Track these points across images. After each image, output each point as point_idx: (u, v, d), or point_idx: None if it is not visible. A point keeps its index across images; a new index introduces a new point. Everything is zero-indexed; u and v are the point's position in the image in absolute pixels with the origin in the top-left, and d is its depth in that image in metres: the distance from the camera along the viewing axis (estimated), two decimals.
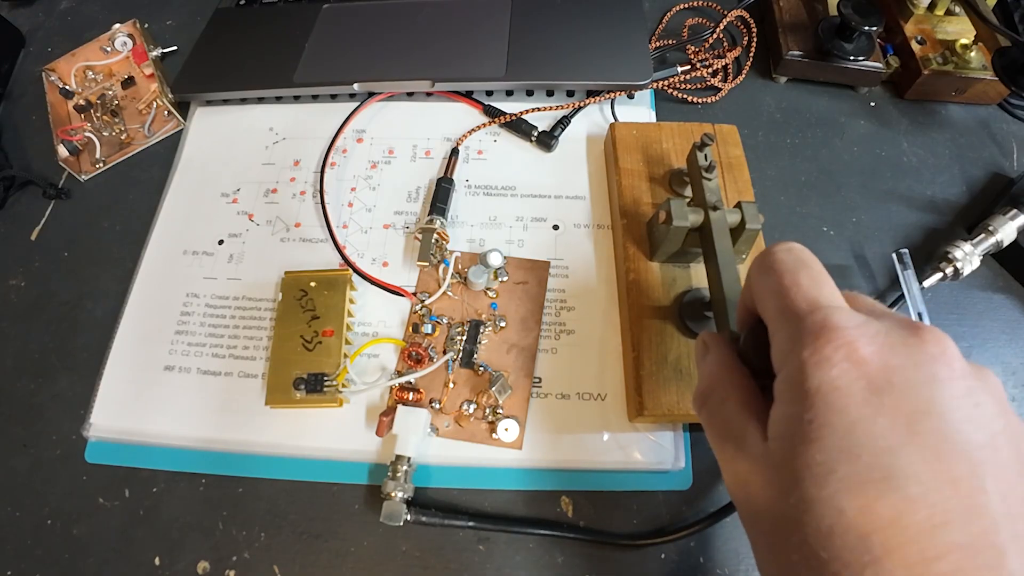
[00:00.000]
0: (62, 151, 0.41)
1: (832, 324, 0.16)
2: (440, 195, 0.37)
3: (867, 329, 0.16)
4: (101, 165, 0.42)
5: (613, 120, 0.40)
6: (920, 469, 0.15)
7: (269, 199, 0.39)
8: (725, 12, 0.43)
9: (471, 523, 0.29)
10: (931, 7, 0.41)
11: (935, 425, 0.15)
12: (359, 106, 0.42)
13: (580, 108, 0.41)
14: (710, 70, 0.42)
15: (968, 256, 0.34)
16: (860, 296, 0.19)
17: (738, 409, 0.20)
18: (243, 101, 0.43)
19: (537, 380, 0.32)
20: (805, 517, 0.15)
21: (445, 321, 0.34)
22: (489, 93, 0.42)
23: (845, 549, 0.15)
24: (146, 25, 0.47)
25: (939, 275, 0.34)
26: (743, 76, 0.42)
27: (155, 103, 0.43)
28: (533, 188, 0.38)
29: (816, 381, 0.16)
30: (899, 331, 0.17)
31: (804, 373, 0.16)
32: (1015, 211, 0.34)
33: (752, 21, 0.42)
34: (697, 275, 0.32)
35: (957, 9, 0.41)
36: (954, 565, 0.14)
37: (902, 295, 0.34)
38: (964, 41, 0.40)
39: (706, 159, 0.30)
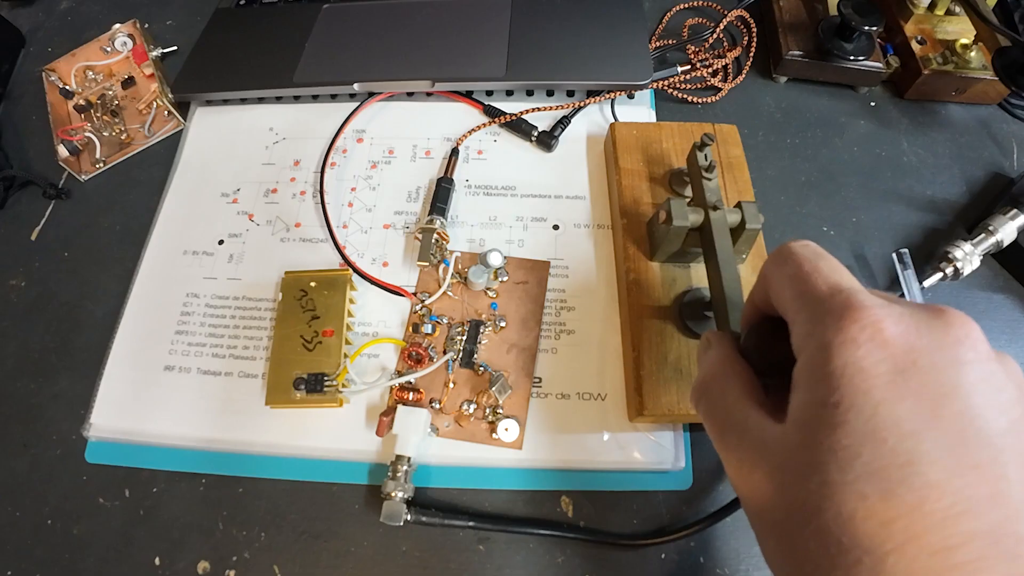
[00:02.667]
0: (62, 151, 0.41)
1: (856, 303, 0.16)
2: (440, 195, 0.37)
3: (891, 310, 0.16)
4: (101, 165, 0.42)
5: (613, 120, 0.40)
6: (943, 455, 0.14)
7: (269, 199, 0.39)
8: (725, 12, 0.43)
9: (471, 523, 0.29)
10: (931, 7, 0.41)
11: (959, 409, 0.15)
12: (359, 106, 0.42)
13: (580, 108, 0.41)
14: (710, 70, 0.42)
15: (968, 256, 0.34)
16: (874, 290, 0.19)
17: (739, 398, 0.19)
18: (243, 101, 0.43)
19: (537, 380, 0.32)
20: (826, 503, 0.15)
21: (445, 321, 0.34)
22: (489, 93, 0.42)
23: (867, 535, 0.14)
24: (146, 25, 0.47)
25: (939, 275, 0.34)
26: (743, 76, 0.42)
27: (155, 103, 0.43)
28: (533, 188, 0.38)
29: (841, 362, 0.16)
30: (923, 313, 0.16)
31: (828, 353, 0.16)
32: (1015, 211, 0.34)
33: (752, 21, 0.42)
34: (697, 275, 0.32)
35: (957, 9, 0.41)
36: (976, 553, 0.14)
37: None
38: (964, 41, 0.40)
39: (706, 159, 0.30)
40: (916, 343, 0.16)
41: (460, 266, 0.35)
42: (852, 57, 0.40)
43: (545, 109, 0.41)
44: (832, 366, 0.16)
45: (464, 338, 0.33)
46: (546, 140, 0.39)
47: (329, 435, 0.32)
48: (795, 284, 0.18)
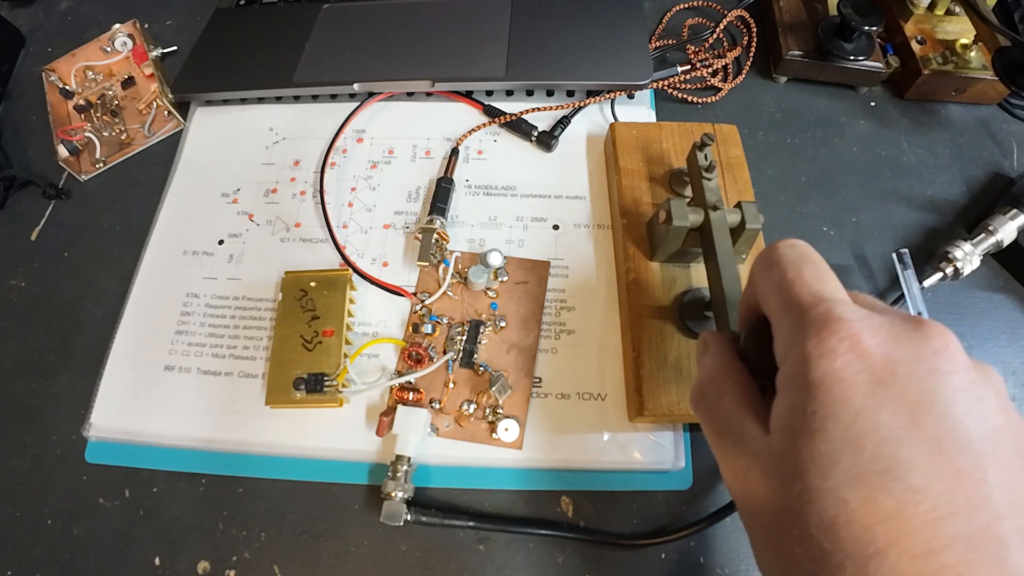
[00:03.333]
0: (62, 151, 0.41)
1: (836, 316, 0.17)
2: (440, 195, 0.37)
3: (871, 322, 0.16)
4: (101, 165, 0.42)
5: (613, 120, 0.40)
6: (923, 460, 0.15)
7: (269, 199, 0.39)
8: (725, 12, 0.43)
9: (471, 523, 0.29)
10: (931, 7, 0.41)
11: (938, 417, 0.15)
12: (359, 106, 0.42)
13: (580, 108, 0.41)
14: (710, 70, 0.42)
15: (968, 256, 0.34)
16: (862, 295, 0.19)
17: (735, 404, 0.20)
18: (243, 101, 0.43)
19: (537, 380, 0.32)
20: (808, 509, 0.15)
21: (445, 321, 0.34)
22: (489, 93, 0.42)
23: (849, 540, 0.15)
24: (146, 25, 0.47)
25: (939, 275, 0.34)
26: (743, 76, 0.42)
27: (155, 103, 0.43)
28: (533, 188, 0.38)
29: (820, 372, 0.16)
30: (902, 325, 0.17)
31: (808, 364, 0.16)
32: (1015, 211, 0.34)
33: (752, 21, 0.42)
34: (697, 275, 0.32)
35: (957, 9, 0.41)
36: (957, 557, 0.14)
37: (902, 295, 0.34)
38: (964, 41, 0.40)
39: (706, 159, 0.30)
40: (894, 354, 0.16)
41: (460, 266, 0.35)
42: (852, 57, 0.40)
43: (545, 109, 0.41)
44: (811, 376, 0.16)
45: (464, 338, 0.33)
46: (546, 140, 0.39)
47: (329, 435, 0.32)
48: (779, 292, 0.19)
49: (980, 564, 0.14)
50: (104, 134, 0.43)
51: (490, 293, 0.34)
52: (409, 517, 0.29)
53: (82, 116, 0.43)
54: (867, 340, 0.16)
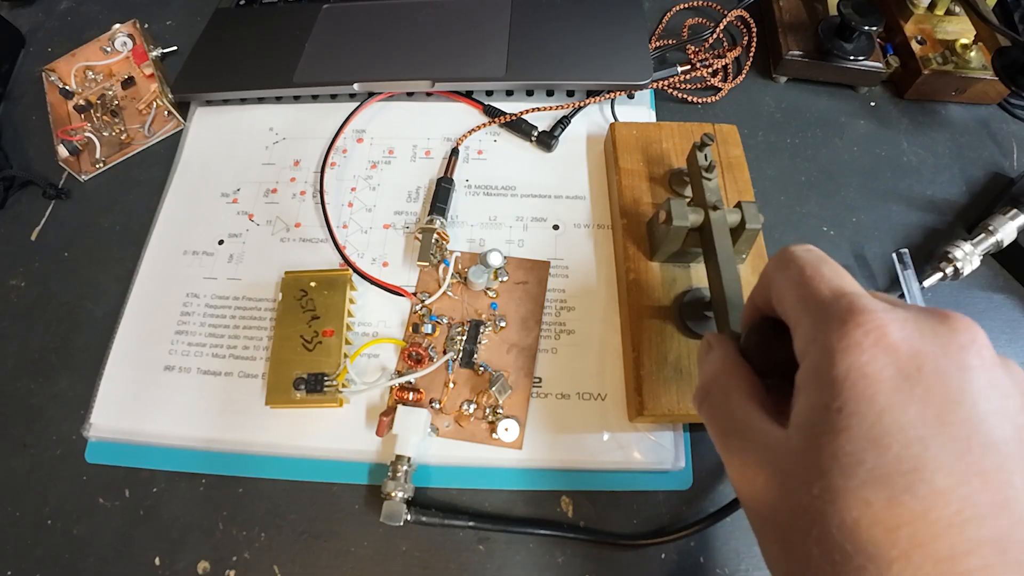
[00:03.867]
0: (62, 151, 0.41)
1: (860, 307, 0.16)
2: (440, 195, 0.37)
3: (896, 314, 0.16)
4: (101, 165, 0.42)
5: (613, 120, 0.40)
6: (949, 461, 0.14)
7: (269, 199, 0.39)
8: (725, 12, 0.43)
9: (471, 523, 0.29)
10: (931, 7, 0.41)
11: (965, 416, 0.15)
12: (359, 106, 0.42)
13: (580, 108, 0.41)
14: (710, 70, 0.42)
15: (968, 256, 0.34)
16: (879, 294, 0.19)
17: (743, 400, 0.19)
18: (243, 101, 0.43)
19: (537, 380, 0.32)
20: (830, 509, 0.15)
21: (445, 321, 0.34)
22: (489, 93, 0.42)
23: (871, 543, 0.14)
24: (146, 25, 0.47)
25: (939, 275, 0.34)
26: (743, 76, 0.42)
27: (155, 103, 0.43)
28: (533, 188, 0.38)
29: (844, 367, 0.16)
30: (927, 318, 0.16)
31: (832, 359, 0.16)
32: (1015, 211, 0.34)
33: (752, 21, 0.42)
34: (697, 275, 0.32)
35: (957, 9, 0.41)
36: (983, 561, 0.14)
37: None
38: (964, 41, 0.40)
39: (706, 159, 0.30)
40: (921, 348, 0.15)
41: (460, 266, 0.35)
42: (852, 57, 0.40)
43: (545, 109, 0.41)
44: (836, 371, 0.16)
45: (464, 338, 0.33)
46: (546, 140, 0.39)
47: (329, 435, 0.32)
48: (798, 288, 0.18)
49: (1005, 568, 0.13)
50: (104, 134, 0.43)
51: (490, 293, 0.34)
52: (409, 517, 0.29)
53: (82, 116, 0.43)
54: (893, 333, 0.16)
